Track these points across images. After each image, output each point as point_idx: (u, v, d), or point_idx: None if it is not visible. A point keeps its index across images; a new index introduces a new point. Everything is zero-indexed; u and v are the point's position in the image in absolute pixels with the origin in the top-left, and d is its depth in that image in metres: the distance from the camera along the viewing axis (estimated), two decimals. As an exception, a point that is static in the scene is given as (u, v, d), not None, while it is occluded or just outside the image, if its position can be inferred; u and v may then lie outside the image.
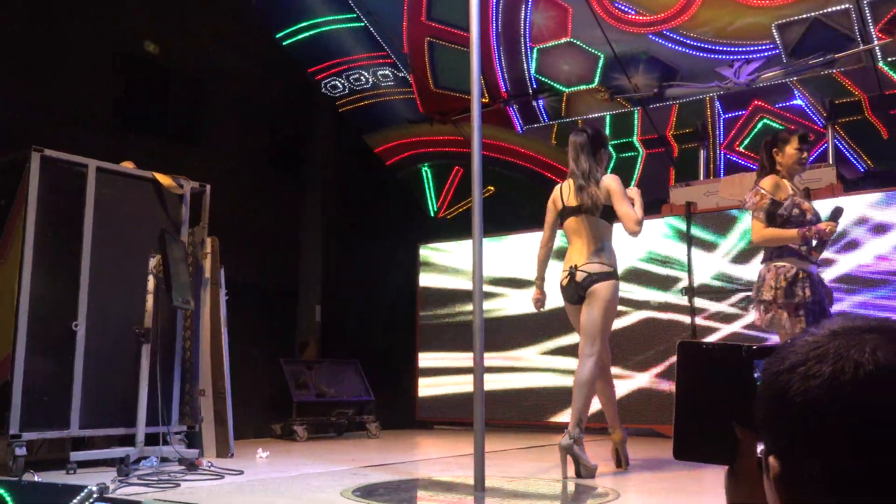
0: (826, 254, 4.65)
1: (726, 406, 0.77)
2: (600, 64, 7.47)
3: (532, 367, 7.20)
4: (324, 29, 8.19)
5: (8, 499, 3.36)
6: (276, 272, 9.61)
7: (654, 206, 6.41)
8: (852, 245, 5.77)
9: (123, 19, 8.60)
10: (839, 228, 4.15)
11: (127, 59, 8.74)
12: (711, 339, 6.19)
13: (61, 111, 7.78)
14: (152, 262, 4.67)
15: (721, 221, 6.37)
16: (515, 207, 9.18)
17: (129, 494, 3.46)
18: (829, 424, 0.66)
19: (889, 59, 6.58)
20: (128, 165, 5.18)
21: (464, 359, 7.34)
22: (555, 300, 4.55)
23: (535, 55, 7.70)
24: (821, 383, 0.68)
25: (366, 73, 8.46)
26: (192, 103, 9.46)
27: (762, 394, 0.73)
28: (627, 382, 6.47)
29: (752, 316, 4.20)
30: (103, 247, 4.82)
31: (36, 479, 3.76)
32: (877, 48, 6.49)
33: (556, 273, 4.41)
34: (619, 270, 4.37)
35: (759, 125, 7.45)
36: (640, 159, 8.14)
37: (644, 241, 6.04)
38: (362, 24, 8.04)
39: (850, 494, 0.66)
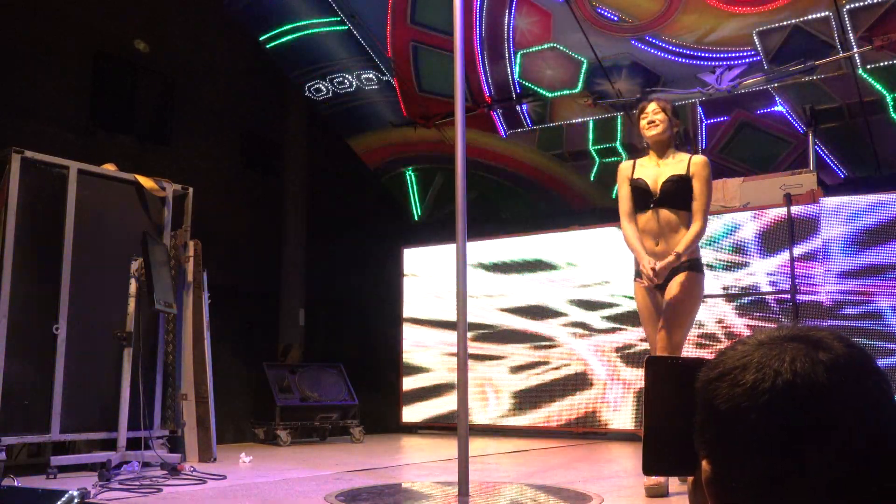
0: None
1: (690, 418, 0.79)
2: (583, 69, 7.50)
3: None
4: (307, 32, 8.17)
5: (-13, 504, 3.32)
6: (258, 276, 9.58)
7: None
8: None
9: (94, 18, 8.53)
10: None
11: (97, 58, 8.67)
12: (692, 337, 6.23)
13: (30, 110, 7.70)
14: (134, 265, 4.65)
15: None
16: (499, 211, 9.21)
17: (110, 499, 3.44)
18: (749, 430, 0.70)
19: (868, 67, 6.65)
20: (109, 167, 5.14)
21: (448, 362, 7.35)
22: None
23: (518, 60, 7.73)
24: (743, 391, 0.71)
25: (349, 77, 8.45)
26: (164, 103, 9.40)
27: (697, 401, 0.77)
28: (624, 385, 6.50)
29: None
30: (84, 250, 4.78)
31: (16, 483, 3.73)
32: (856, 56, 6.56)
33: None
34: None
35: (741, 131, 7.51)
36: (623, 164, 8.17)
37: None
38: (346, 27, 8.04)
39: (769, 497, 0.69)
